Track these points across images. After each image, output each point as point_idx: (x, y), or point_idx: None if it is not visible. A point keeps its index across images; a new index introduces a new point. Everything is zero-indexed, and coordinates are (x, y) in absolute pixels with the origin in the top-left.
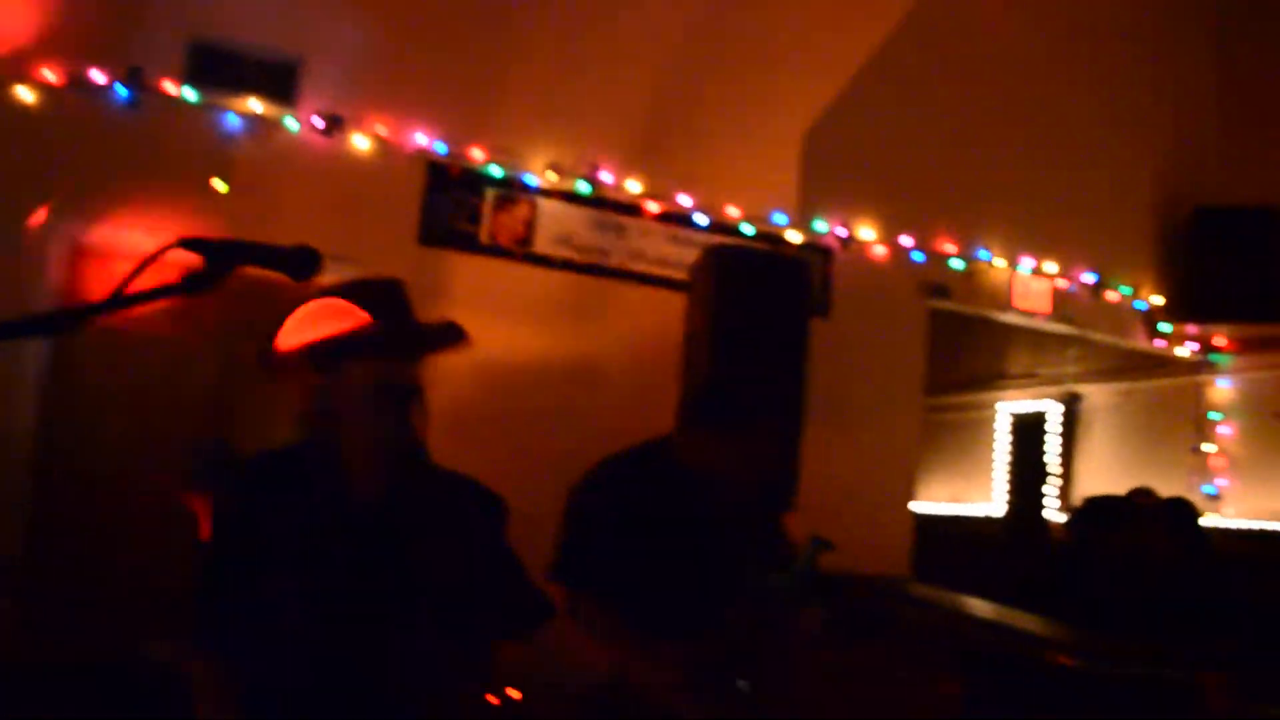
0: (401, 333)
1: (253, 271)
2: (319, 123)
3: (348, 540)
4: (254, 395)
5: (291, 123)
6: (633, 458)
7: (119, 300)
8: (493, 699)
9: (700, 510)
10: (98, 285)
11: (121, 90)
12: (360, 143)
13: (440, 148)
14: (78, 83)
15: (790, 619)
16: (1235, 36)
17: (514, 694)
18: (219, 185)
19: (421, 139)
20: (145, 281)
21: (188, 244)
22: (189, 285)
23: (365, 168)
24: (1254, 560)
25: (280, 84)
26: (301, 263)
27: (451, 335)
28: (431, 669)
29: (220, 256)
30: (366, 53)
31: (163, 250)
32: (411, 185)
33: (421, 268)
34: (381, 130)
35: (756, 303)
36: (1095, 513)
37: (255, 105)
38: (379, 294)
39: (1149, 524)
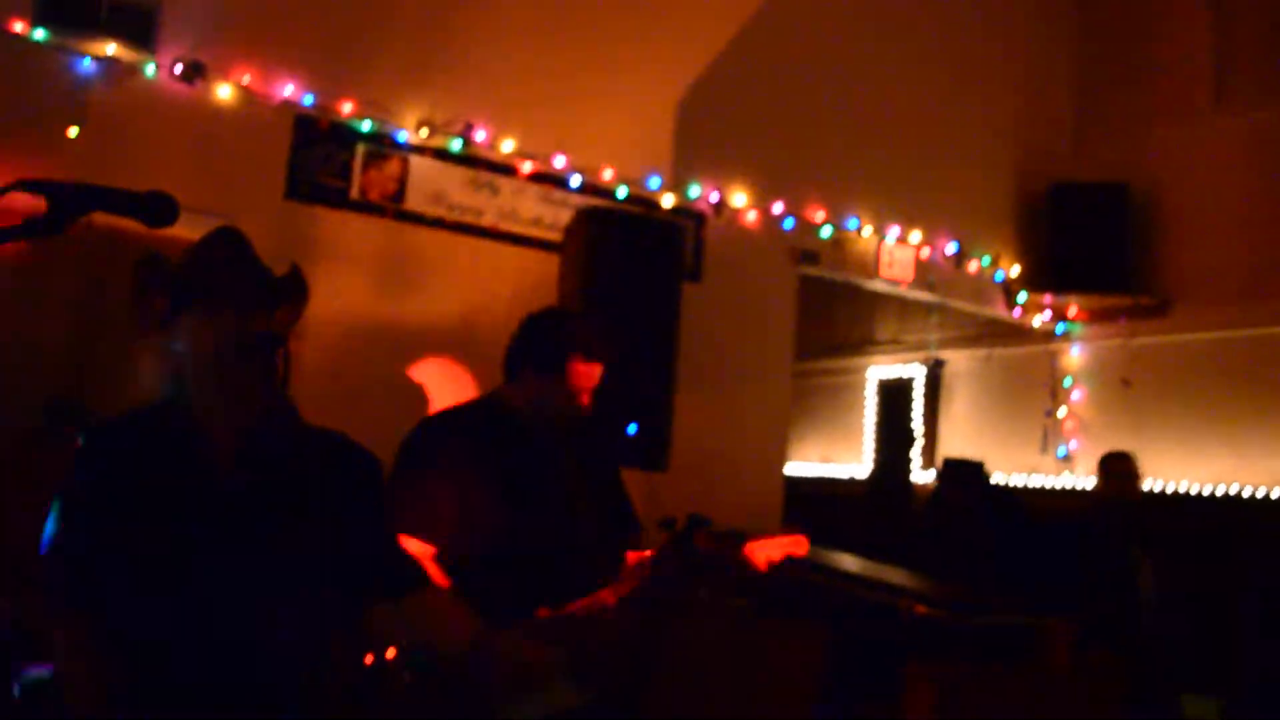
0: (241, 283)
1: (105, 219)
2: (179, 70)
3: (206, 497)
4: (108, 352)
5: (150, 69)
6: (469, 407)
7: None
8: (368, 658)
9: (540, 453)
10: None
11: None
12: (223, 92)
13: (308, 100)
14: None
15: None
16: (1092, 17)
17: (390, 653)
18: (71, 132)
19: (289, 90)
20: None
21: (29, 185)
22: (30, 229)
23: (229, 118)
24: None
25: (139, 28)
26: (157, 209)
27: (290, 286)
28: (297, 628)
29: (66, 200)
30: None
31: (3, 191)
32: (278, 138)
33: (288, 223)
34: (246, 80)
35: (629, 265)
36: (953, 473)
37: (111, 49)
38: (221, 244)
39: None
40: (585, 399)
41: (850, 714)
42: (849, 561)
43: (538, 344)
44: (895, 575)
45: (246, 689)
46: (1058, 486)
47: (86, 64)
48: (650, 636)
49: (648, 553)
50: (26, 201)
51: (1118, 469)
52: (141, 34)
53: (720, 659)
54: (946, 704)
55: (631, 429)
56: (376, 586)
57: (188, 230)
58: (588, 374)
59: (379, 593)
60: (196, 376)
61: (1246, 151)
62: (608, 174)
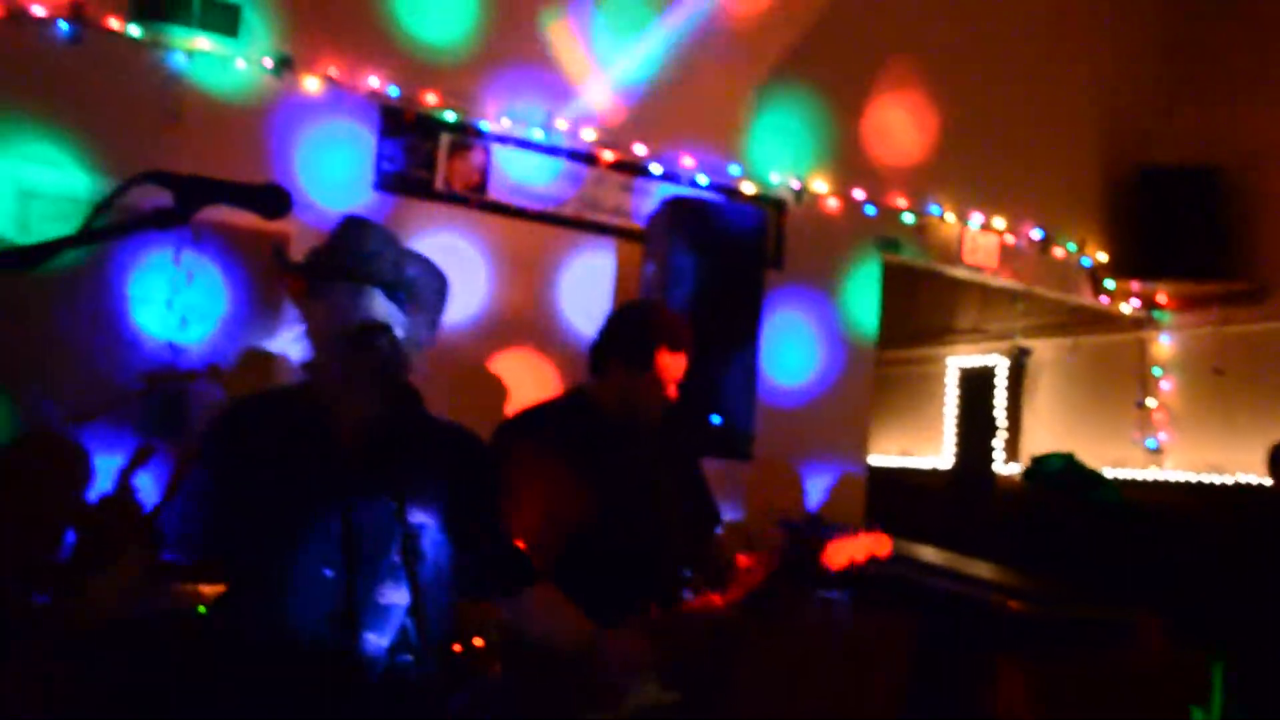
0: (362, 270)
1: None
2: (268, 63)
3: (326, 479)
4: None
5: (240, 63)
6: (556, 405)
7: (90, 234)
8: (457, 647)
9: (628, 450)
10: (42, 226)
11: (63, 25)
12: (311, 84)
13: (394, 91)
14: (18, 17)
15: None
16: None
17: (478, 642)
18: (166, 126)
19: (374, 82)
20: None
21: (156, 178)
22: (159, 220)
23: (316, 110)
24: (1191, 512)
25: (228, 22)
26: (272, 201)
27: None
28: (404, 615)
29: (190, 192)
30: None
31: (131, 184)
32: (364, 130)
33: (376, 214)
34: (333, 72)
35: (713, 253)
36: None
37: (203, 43)
38: (346, 232)
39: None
40: (672, 391)
41: (942, 708)
42: (935, 555)
43: (624, 337)
44: (983, 569)
45: (347, 661)
46: (1147, 479)
47: (179, 59)
48: (740, 637)
49: (760, 556)
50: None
51: None
52: (231, 27)
53: (812, 651)
54: (1038, 697)
55: (716, 419)
56: (490, 581)
57: (280, 223)
58: (675, 365)
59: (492, 588)
60: (319, 359)
61: None
62: (688, 162)
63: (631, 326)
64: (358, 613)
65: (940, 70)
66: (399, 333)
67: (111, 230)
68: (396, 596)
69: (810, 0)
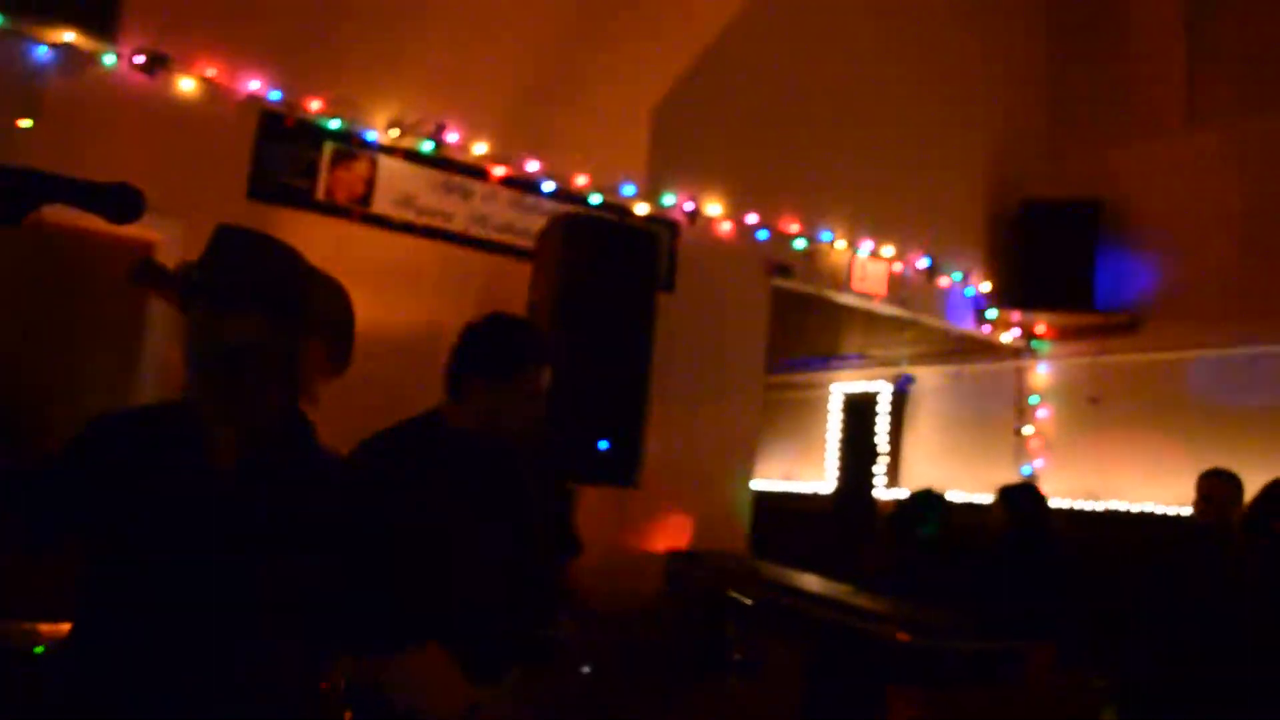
0: (237, 285)
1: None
2: (140, 60)
3: (192, 501)
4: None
5: (110, 59)
6: (405, 428)
7: None
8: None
9: (485, 474)
10: None
11: None
12: (186, 85)
13: (275, 95)
14: None
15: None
16: (1065, 35)
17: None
18: (23, 123)
19: (254, 85)
20: None
21: None
22: None
23: (191, 112)
24: (1066, 537)
25: (99, 16)
26: (122, 204)
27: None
28: (263, 663)
29: (25, 188)
30: None
31: None
32: (242, 134)
33: (250, 224)
34: (210, 73)
35: (605, 275)
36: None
37: (69, 37)
38: (224, 245)
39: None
40: (539, 408)
41: None
42: (821, 585)
43: (483, 353)
44: (871, 600)
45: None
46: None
47: (43, 52)
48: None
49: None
50: None
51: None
52: (103, 22)
53: (700, 686)
54: None
55: (603, 445)
56: (371, 635)
57: (143, 230)
58: (539, 379)
59: (373, 643)
60: (190, 380)
61: (1218, 170)
62: (581, 180)
63: (489, 341)
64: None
65: (834, 99)
66: (281, 356)
67: None
68: (250, 639)
69: (707, 22)
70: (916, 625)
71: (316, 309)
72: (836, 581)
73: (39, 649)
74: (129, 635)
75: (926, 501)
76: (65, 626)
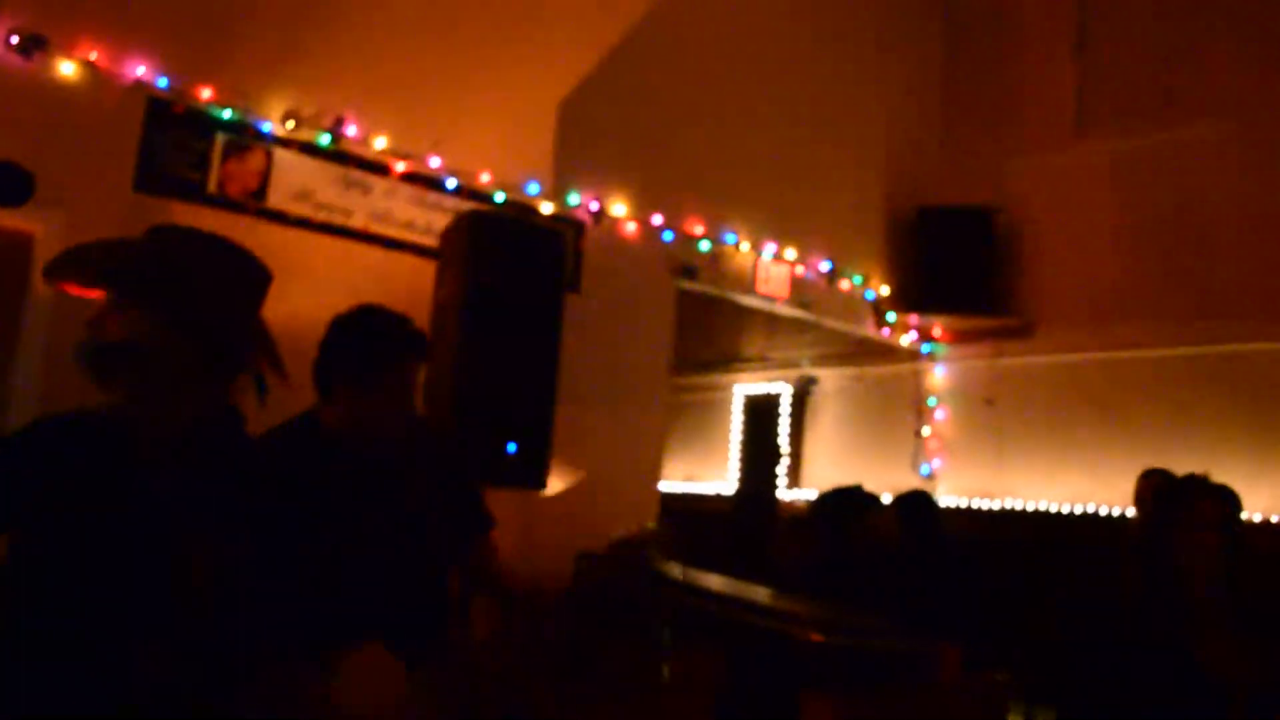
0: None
1: None
2: (16, 41)
3: (118, 501)
4: None
5: None
6: (275, 434)
7: None
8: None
9: (355, 476)
10: None
11: None
12: (66, 69)
13: (163, 82)
14: None
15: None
16: (958, 49)
17: None
18: None
19: (141, 71)
20: None
21: None
22: None
23: (73, 98)
24: (963, 536)
25: None
26: (7, 183)
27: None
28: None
29: None
30: None
31: None
32: (128, 123)
33: (137, 217)
34: (93, 56)
35: (512, 274)
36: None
37: None
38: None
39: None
40: (410, 404)
41: None
42: (726, 584)
43: (346, 353)
44: (780, 600)
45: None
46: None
47: None
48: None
49: None
50: None
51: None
52: None
53: (614, 687)
54: None
55: (511, 448)
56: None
57: (22, 220)
58: (409, 375)
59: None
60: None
61: (1105, 181)
62: (485, 178)
63: (351, 339)
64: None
65: (739, 103)
66: (166, 353)
67: None
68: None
69: (613, 21)
70: (831, 626)
71: (210, 299)
72: (742, 582)
73: None
74: (56, 630)
75: (861, 498)
76: None
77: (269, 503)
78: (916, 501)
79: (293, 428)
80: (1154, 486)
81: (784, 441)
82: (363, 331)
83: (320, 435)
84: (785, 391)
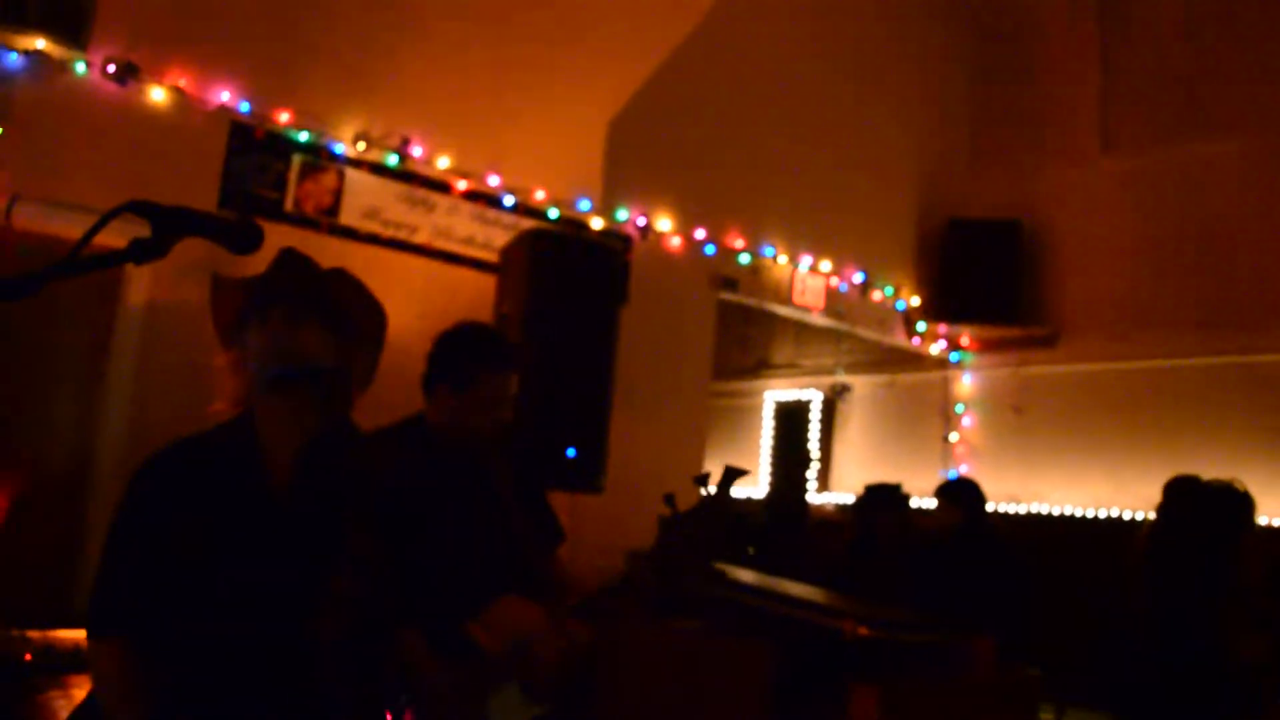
0: (296, 304)
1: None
2: (112, 69)
3: (257, 534)
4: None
5: (81, 67)
6: (389, 433)
7: (74, 265)
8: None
9: (460, 478)
10: None
11: None
12: (157, 95)
13: (244, 107)
14: None
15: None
16: (987, 65)
17: None
18: None
19: (225, 96)
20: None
21: (138, 208)
22: (135, 253)
23: (161, 122)
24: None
25: (70, 24)
26: (244, 236)
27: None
28: (342, 666)
29: (168, 223)
30: None
31: (115, 213)
32: (212, 145)
33: None
34: (181, 83)
35: (571, 288)
36: (874, 498)
37: (40, 44)
38: (283, 266)
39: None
40: (505, 412)
41: None
42: (786, 584)
43: (447, 360)
44: (822, 595)
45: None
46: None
47: (13, 59)
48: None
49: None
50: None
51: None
52: (73, 30)
53: (668, 682)
54: (887, 718)
55: (571, 452)
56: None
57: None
58: (500, 385)
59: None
60: (253, 395)
61: (1130, 194)
62: (540, 195)
63: (453, 350)
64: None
65: (777, 122)
66: (339, 369)
67: (91, 262)
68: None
69: (659, 42)
70: (875, 619)
71: (365, 325)
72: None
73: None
74: (203, 648)
75: (890, 493)
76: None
77: (391, 499)
78: (965, 486)
79: (403, 425)
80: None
81: (814, 446)
82: (465, 341)
83: (423, 431)
84: (816, 398)
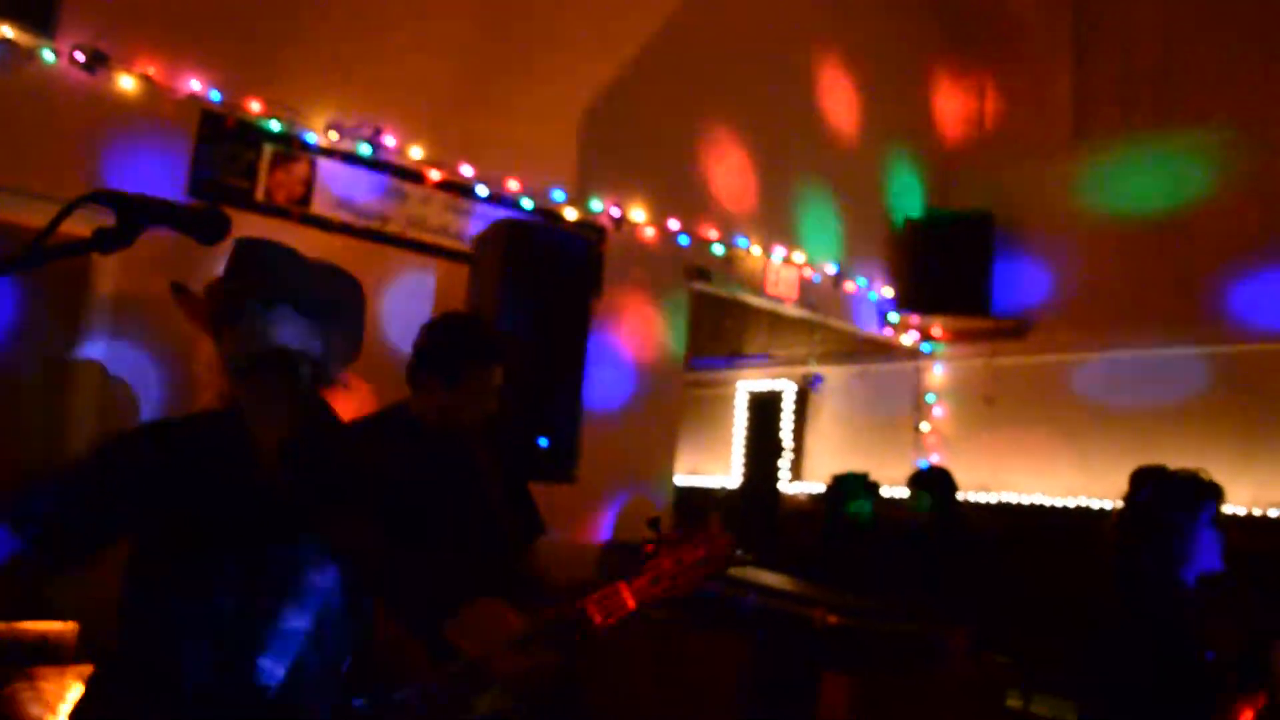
0: (265, 294)
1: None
2: (80, 57)
3: (240, 502)
4: None
5: (49, 55)
6: (373, 421)
7: (34, 254)
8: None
9: (451, 469)
10: None
11: None
12: (126, 83)
13: (215, 96)
14: None
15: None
16: (960, 58)
17: None
18: None
19: (195, 84)
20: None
21: (101, 197)
22: (100, 242)
23: (130, 110)
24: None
25: (38, 11)
26: (210, 225)
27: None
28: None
29: (134, 213)
30: None
31: (79, 202)
32: (182, 134)
33: None
34: (150, 71)
35: (545, 279)
36: (845, 487)
37: (8, 32)
38: (247, 256)
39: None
40: (491, 403)
41: (770, 719)
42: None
43: (435, 351)
44: (795, 584)
45: (247, 690)
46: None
47: None
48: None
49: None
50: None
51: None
52: (41, 17)
53: (643, 669)
54: (859, 706)
55: (543, 442)
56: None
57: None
58: (488, 377)
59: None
60: (233, 387)
61: (1100, 186)
62: (513, 185)
63: (441, 342)
64: (255, 641)
65: (749, 113)
66: (316, 351)
67: (56, 250)
68: (298, 622)
69: (633, 33)
70: (846, 609)
71: (339, 303)
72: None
73: None
74: (173, 625)
75: (855, 482)
76: (49, 626)
77: (377, 487)
78: (935, 475)
79: (388, 414)
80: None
81: (787, 436)
82: (453, 334)
83: (409, 420)
84: (789, 388)
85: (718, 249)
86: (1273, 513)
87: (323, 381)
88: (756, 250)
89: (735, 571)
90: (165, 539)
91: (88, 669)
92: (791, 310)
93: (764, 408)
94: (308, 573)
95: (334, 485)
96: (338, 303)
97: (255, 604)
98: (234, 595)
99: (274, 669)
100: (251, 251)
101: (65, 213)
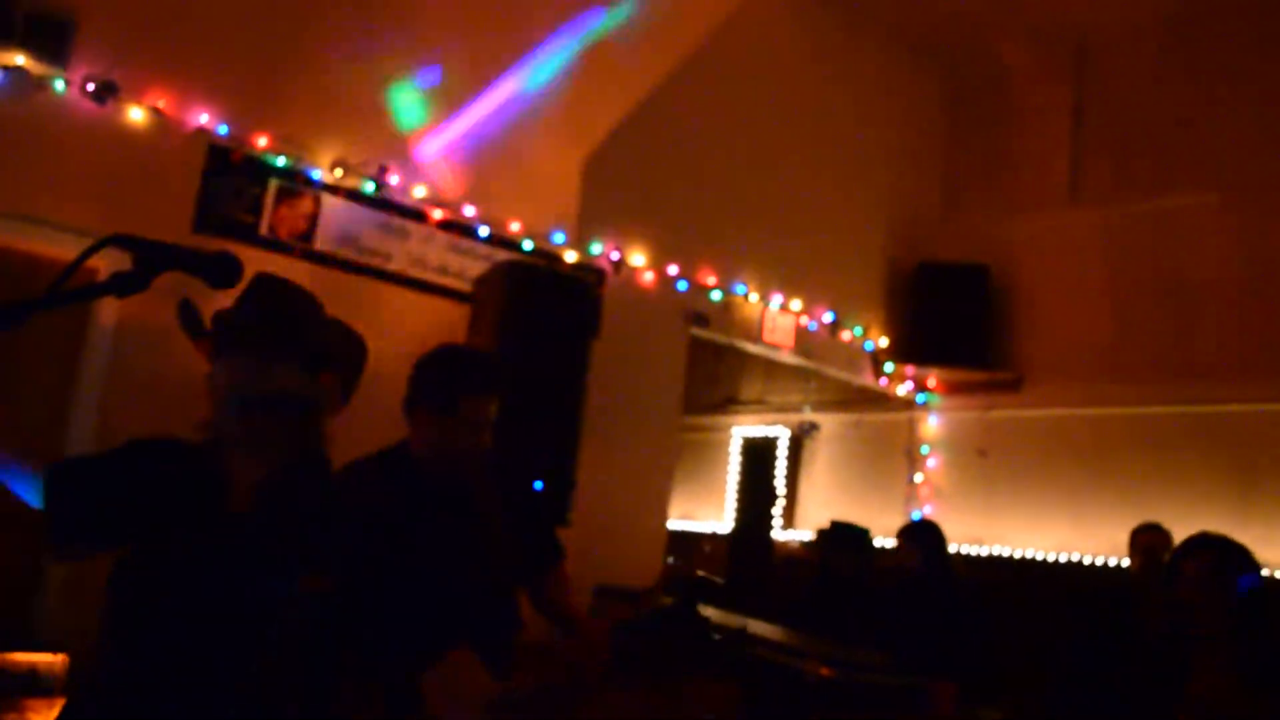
0: (270, 335)
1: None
2: (91, 88)
3: (208, 535)
4: None
5: (60, 85)
6: (372, 461)
7: (56, 296)
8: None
9: (447, 506)
10: None
11: None
12: (135, 115)
13: (222, 130)
14: None
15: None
16: (960, 113)
17: None
18: None
19: (203, 118)
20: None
21: (120, 241)
22: (117, 286)
23: (139, 142)
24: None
25: (52, 41)
26: (223, 271)
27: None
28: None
29: (150, 257)
30: (148, 19)
31: (100, 245)
32: (189, 167)
33: None
34: (160, 104)
35: (544, 321)
36: (836, 537)
37: (20, 60)
38: (258, 294)
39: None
40: (485, 436)
41: None
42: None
43: (427, 384)
44: (786, 635)
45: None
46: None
47: None
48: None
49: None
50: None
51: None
52: (55, 48)
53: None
54: None
55: (539, 485)
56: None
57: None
58: (481, 408)
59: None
60: (220, 420)
61: (1097, 243)
62: (515, 226)
63: (433, 373)
64: (221, 678)
65: (751, 163)
66: (314, 399)
67: (75, 294)
68: (264, 659)
69: (637, 80)
70: (838, 661)
71: (337, 354)
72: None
73: None
74: (150, 653)
75: (848, 532)
76: (38, 657)
77: (354, 535)
78: (926, 528)
79: (386, 453)
80: (1154, 543)
81: (780, 483)
82: (444, 364)
83: (406, 460)
84: (783, 435)
85: (715, 295)
86: (1265, 573)
87: (313, 429)
88: (754, 297)
89: (728, 620)
90: (138, 564)
91: None
92: (787, 358)
93: (758, 454)
94: (272, 611)
95: (296, 534)
96: (344, 359)
97: (220, 638)
98: (199, 630)
99: (242, 706)
100: (270, 289)
101: (85, 256)
